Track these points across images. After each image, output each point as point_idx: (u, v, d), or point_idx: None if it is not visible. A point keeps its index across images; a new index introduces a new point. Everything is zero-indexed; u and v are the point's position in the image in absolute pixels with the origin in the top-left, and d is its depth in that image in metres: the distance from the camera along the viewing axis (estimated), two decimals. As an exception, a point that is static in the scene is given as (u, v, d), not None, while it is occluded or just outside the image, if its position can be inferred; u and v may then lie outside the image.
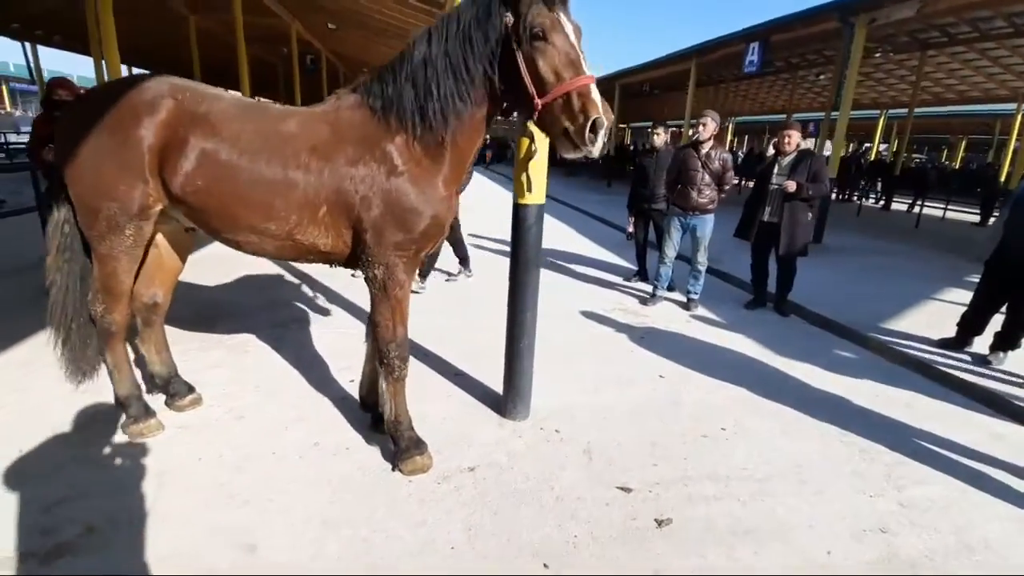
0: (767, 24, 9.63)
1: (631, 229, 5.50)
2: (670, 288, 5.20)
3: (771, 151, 5.13)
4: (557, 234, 9.71)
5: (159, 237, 2.45)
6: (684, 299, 4.88)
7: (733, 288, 5.63)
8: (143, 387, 2.56)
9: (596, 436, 2.66)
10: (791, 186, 4.26)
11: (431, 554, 1.86)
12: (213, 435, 2.50)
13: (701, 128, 4.52)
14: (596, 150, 1.84)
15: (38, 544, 1.79)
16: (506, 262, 2.68)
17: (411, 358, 2.35)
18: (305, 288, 4.81)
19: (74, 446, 2.35)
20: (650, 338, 4.07)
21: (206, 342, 3.52)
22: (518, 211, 2.49)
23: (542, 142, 2.37)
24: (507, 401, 2.77)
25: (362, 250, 2.12)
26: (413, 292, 4.76)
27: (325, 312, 4.23)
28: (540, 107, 1.86)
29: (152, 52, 17.22)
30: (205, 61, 13.51)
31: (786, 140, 4.35)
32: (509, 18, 1.86)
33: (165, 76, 2.15)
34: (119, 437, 2.42)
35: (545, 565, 1.84)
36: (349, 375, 3.09)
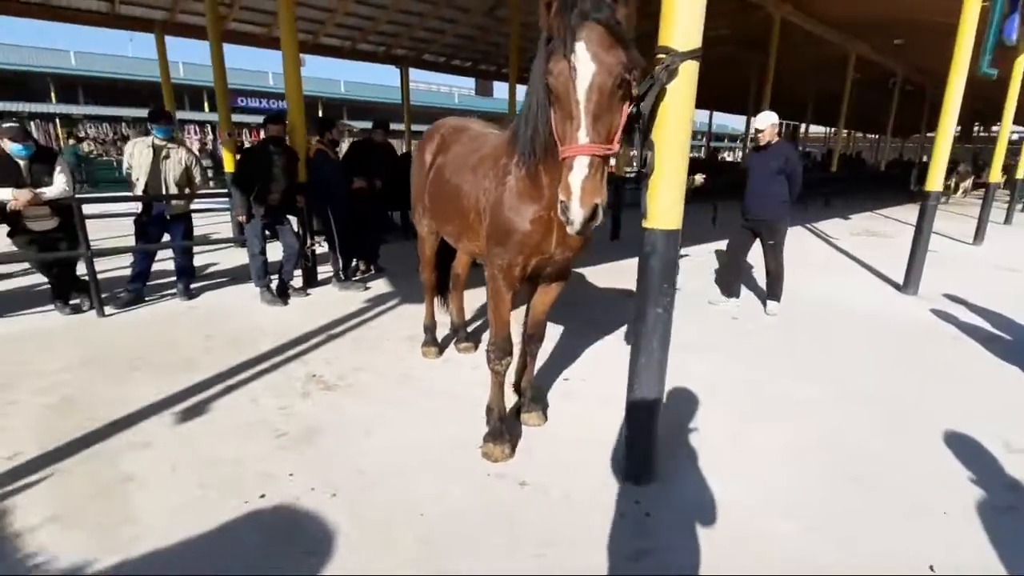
0: None
1: None
2: None
3: None
4: None
5: None
6: None
7: None
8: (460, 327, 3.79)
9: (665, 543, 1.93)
10: None
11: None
12: (453, 371, 3.47)
13: None
14: (571, 231, 1.71)
15: (303, 390, 3.26)
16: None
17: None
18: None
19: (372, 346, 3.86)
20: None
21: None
22: (643, 236, 2.12)
23: (662, 156, 1.95)
24: (627, 457, 2.38)
25: None
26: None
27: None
28: None
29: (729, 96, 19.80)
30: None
31: None
32: None
33: (451, 118, 3.19)
34: (411, 352, 3.75)
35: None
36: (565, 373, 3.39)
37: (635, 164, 2.08)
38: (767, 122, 4.44)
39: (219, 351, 3.69)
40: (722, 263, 4.98)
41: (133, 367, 3.42)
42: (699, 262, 6.70)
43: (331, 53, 12.24)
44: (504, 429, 2.55)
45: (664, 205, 2.01)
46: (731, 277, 5.00)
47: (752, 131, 4.59)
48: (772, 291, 4.85)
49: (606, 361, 3.63)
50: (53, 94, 24.84)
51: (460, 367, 3.54)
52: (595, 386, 3.28)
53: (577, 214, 1.64)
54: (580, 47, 1.63)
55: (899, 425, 2.88)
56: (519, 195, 2.20)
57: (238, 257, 6.08)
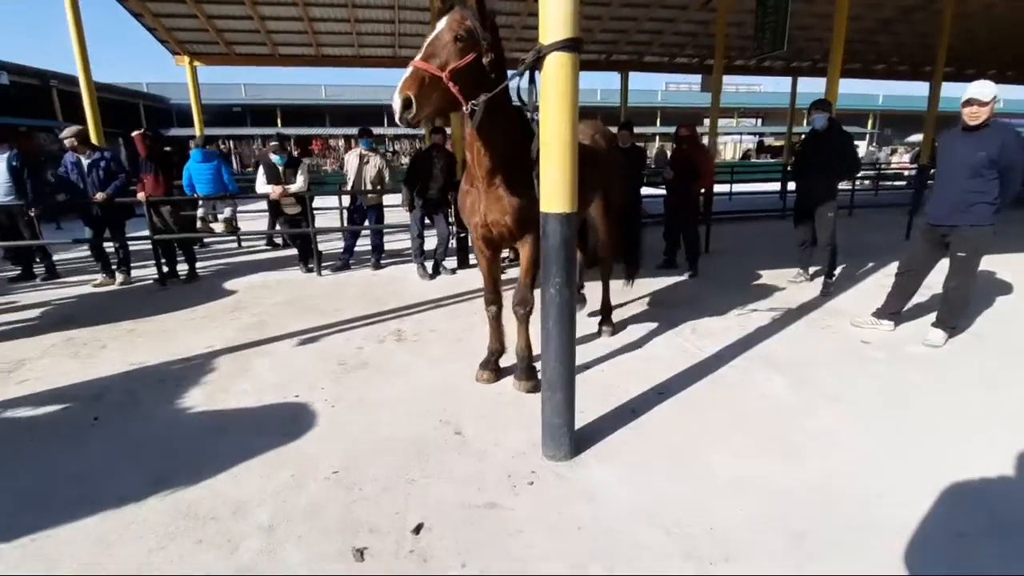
0: None
1: None
2: None
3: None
4: None
5: None
6: None
7: None
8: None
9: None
10: None
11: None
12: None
13: None
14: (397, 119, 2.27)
15: (382, 338, 4.09)
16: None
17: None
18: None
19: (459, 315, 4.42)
20: None
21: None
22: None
23: (549, 144, 2.06)
24: (542, 431, 2.47)
25: None
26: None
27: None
28: None
29: None
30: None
31: None
32: None
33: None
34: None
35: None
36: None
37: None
38: (991, 94, 3.33)
39: (360, 305, 4.92)
40: (896, 279, 4.00)
41: (307, 309, 4.88)
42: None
43: (557, 66, 13.38)
44: (490, 360, 3.24)
45: (553, 189, 2.12)
46: (897, 296, 3.99)
47: (962, 105, 3.47)
48: (942, 317, 3.74)
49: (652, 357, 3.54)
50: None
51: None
52: (613, 373, 3.29)
53: (394, 101, 2.22)
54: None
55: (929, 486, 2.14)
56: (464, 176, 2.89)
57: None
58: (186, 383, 3.32)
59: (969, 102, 3.35)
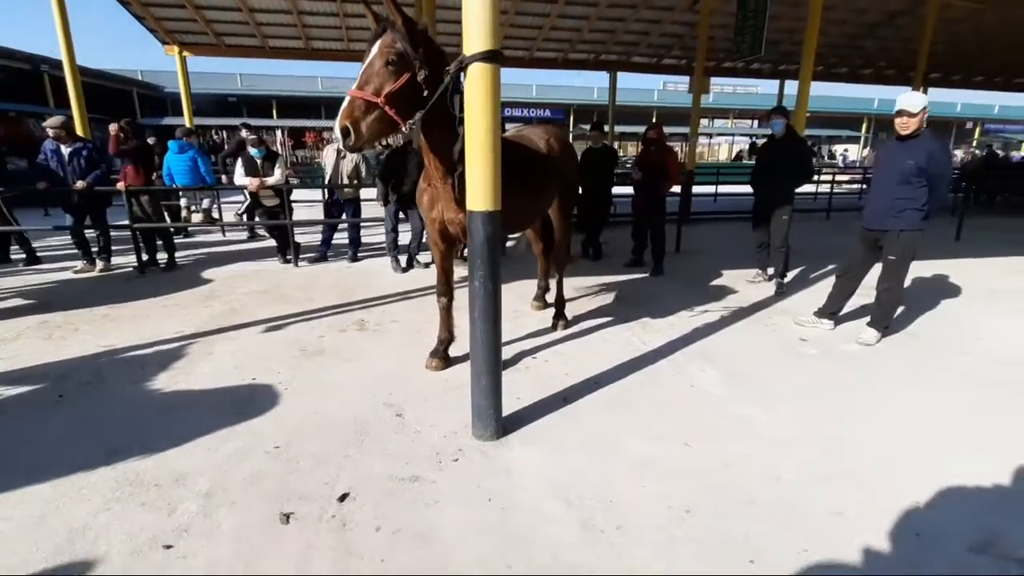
0: None
1: None
2: None
3: None
4: None
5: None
6: None
7: None
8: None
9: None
10: None
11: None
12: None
13: None
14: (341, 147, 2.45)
15: (345, 328, 4.27)
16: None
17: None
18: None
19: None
20: None
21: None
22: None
23: (473, 148, 2.24)
24: (472, 414, 2.66)
25: None
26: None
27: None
28: None
29: None
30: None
31: None
32: None
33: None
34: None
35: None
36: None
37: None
38: (920, 105, 3.56)
39: (331, 296, 5.09)
40: (836, 280, 4.21)
41: (279, 298, 5.04)
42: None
43: (547, 65, 13.54)
44: (440, 348, 3.44)
45: (477, 188, 2.30)
46: (836, 297, 4.19)
47: (894, 115, 3.70)
48: (875, 317, 3.94)
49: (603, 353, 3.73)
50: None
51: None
52: (556, 363, 3.48)
53: (335, 131, 2.40)
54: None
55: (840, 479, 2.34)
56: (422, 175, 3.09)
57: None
58: (151, 365, 3.49)
59: (900, 113, 3.55)
